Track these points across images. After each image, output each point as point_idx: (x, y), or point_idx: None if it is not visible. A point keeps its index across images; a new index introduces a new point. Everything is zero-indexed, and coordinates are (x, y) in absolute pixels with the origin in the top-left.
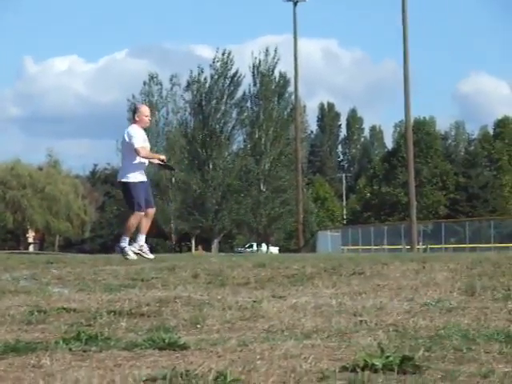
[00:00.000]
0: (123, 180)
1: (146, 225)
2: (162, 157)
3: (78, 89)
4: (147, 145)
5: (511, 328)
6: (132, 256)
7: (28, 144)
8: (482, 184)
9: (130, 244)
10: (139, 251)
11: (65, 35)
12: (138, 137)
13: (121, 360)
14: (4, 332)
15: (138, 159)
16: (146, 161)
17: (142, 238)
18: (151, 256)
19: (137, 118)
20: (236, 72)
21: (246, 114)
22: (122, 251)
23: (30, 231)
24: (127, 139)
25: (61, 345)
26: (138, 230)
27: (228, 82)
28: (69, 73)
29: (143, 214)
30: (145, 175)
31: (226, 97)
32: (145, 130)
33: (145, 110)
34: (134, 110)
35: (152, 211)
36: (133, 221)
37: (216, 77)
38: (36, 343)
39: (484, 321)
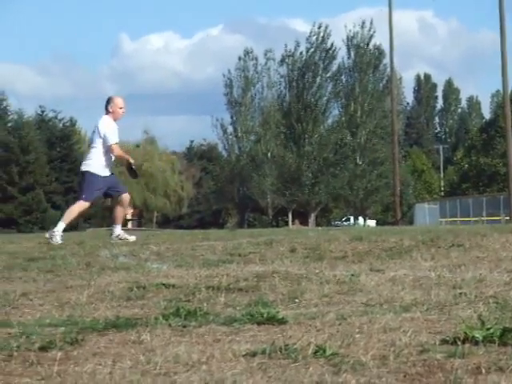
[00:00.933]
0: (84, 169)
1: (120, 215)
2: (131, 160)
3: (174, 65)
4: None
5: None
6: (57, 241)
7: (125, 121)
8: None
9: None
10: (118, 240)
11: (160, 11)
12: (114, 132)
13: (220, 335)
14: (104, 308)
15: (107, 154)
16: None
17: (118, 228)
18: (132, 238)
19: (110, 110)
20: (331, 45)
21: (340, 86)
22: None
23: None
24: (101, 132)
25: (160, 320)
26: (113, 221)
27: (323, 56)
28: (164, 49)
29: (88, 205)
30: (108, 170)
31: (321, 70)
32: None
33: (119, 101)
34: (108, 101)
35: (126, 197)
36: (76, 208)
37: (312, 50)
38: (136, 319)
39: None
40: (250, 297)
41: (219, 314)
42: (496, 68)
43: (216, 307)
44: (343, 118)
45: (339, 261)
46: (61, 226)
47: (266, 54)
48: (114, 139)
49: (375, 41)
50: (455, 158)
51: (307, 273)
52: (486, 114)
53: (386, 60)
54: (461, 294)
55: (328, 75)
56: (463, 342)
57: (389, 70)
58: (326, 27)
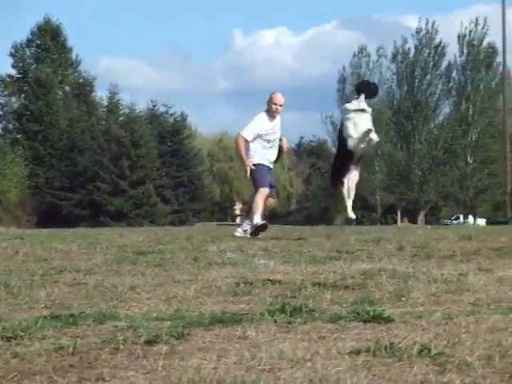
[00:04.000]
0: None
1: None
2: (246, 165)
3: (286, 61)
4: (271, 133)
5: None
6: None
7: (236, 116)
8: None
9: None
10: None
11: (274, 7)
12: (251, 125)
13: (325, 332)
14: (211, 303)
15: (264, 147)
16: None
17: (247, 225)
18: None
19: (267, 106)
20: (440, 42)
21: (451, 84)
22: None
23: (236, 203)
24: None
25: (266, 316)
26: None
27: (433, 52)
28: (277, 45)
29: (267, 191)
30: (269, 162)
31: (430, 67)
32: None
33: (274, 97)
34: (269, 98)
35: (271, 201)
36: (259, 198)
37: (420, 47)
38: (241, 314)
39: None
40: (356, 294)
41: (325, 311)
42: None
43: (322, 304)
44: (454, 116)
45: (447, 260)
46: (257, 218)
47: (378, 51)
48: (243, 131)
49: (489, 38)
50: None
51: (414, 271)
52: None
53: (500, 58)
54: None
55: (438, 72)
56: None
57: (501, 68)
58: (433, 23)
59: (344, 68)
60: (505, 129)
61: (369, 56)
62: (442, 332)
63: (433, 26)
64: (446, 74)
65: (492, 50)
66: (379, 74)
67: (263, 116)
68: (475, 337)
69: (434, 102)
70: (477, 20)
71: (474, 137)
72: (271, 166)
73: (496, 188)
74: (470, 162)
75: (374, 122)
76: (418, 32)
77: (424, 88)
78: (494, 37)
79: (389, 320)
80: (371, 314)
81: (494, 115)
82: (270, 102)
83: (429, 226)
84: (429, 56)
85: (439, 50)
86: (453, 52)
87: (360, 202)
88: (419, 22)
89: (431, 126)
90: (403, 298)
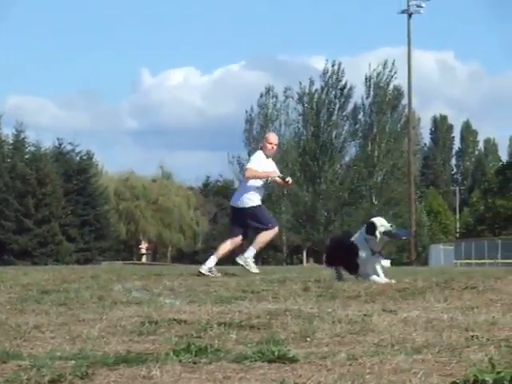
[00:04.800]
0: (248, 205)
1: (262, 240)
2: (275, 176)
3: (194, 101)
4: (270, 170)
5: None
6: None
7: (142, 156)
8: None
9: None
10: (244, 263)
11: (181, 47)
12: (254, 161)
13: (230, 372)
14: (115, 343)
15: (253, 183)
16: (260, 184)
17: (251, 252)
18: (256, 270)
19: (261, 144)
20: (345, 84)
21: (357, 125)
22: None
23: (142, 242)
24: (248, 163)
25: (171, 356)
26: (252, 243)
27: (339, 94)
28: (184, 85)
29: (277, 230)
30: (259, 198)
31: (336, 109)
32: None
33: (269, 137)
34: (264, 136)
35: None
36: (267, 236)
37: (326, 88)
38: (147, 354)
39: None
40: (262, 334)
41: (230, 351)
42: None
43: (227, 344)
44: (360, 157)
45: (352, 300)
46: (251, 252)
47: (285, 92)
48: (249, 164)
49: (396, 81)
50: (471, 200)
51: (319, 311)
52: (504, 156)
53: (405, 101)
54: (473, 336)
55: (344, 114)
56: None
57: (407, 110)
58: (340, 65)
59: (251, 108)
60: (410, 170)
61: (276, 97)
62: (346, 372)
63: (339, 68)
64: (352, 116)
65: (398, 93)
66: (286, 114)
67: (260, 154)
68: (379, 377)
69: (340, 143)
70: (385, 63)
71: (379, 178)
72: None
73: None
74: (375, 202)
75: (280, 163)
76: (324, 73)
77: (330, 129)
78: (399, 79)
79: (294, 360)
80: (276, 354)
81: (399, 157)
82: (266, 141)
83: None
84: (335, 97)
85: (345, 92)
86: (360, 94)
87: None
88: (326, 63)
89: (337, 167)
90: (308, 339)
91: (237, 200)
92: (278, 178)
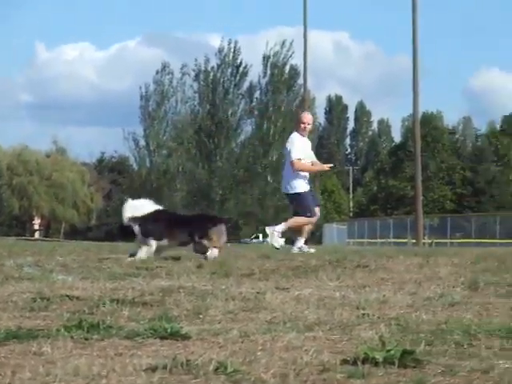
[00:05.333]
0: (291, 191)
1: (307, 231)
2: (326, 167)
3: (89, 76)
4: (308, 153)
5: None
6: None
7: (36, 131)
8: (489, 179)
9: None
10: (300, 252)
11: (77, 22)
12: (296, 148)
13: (122, 349)
14: (6, 318)
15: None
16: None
17: (301, 241)
18: (312, 250)
19: (298, 125)
20: (241, 62)
21: (253, 104)
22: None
23: (35, 218)
24: (287, 148)
25: (62, 332)
26: (299, 233)
27: (235, 72)
28: (80, 60)
29: (314, 221)
30: (308, 184)
31: (232, 87)
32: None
33: (303, 116)
34: (298, 117)
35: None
36: (301, 221)
37: (222, 66)
38: (38, 330)
39: (486, 316)
40: (155, 311)
41: (122, 328)
42: (408, 92)
43: (119, 321)
44: (256, 136)
45: (246, 278)
46: (281, 227)
47: (182, 69)
48: (295, 155)
49: (293, 60)
50: (364, 180)
51: (213, 289)
52: (397, 137)
53: (301, 80)
54: (364, 314)
55: (240, 92)
56: (363, 363)
57: (303, 90)
58: (236, 43)
59: (146, 85)
60: None
61: (172, 74)
62: (238, 349)
63: (235, 46)
64: (247, 94)
65: (294, 72)
66: (182, 92)
67: (296, 136)
68: (271, 354)
69: (236, 121)
70: (283, 42)
71: (274, 157)
72: (309, 185)
73: None
74: (271, 181)
75: (176, 140)
76: (220, 51)
77: (226, 107)
78: (296, 59)
79: (186, 337)
80: (169, 331)
81: None
82: (300, 121)
83: (228, 245)
84: (231, 75)
85: (241, 70)
86: (257, 73)
87: None
88: (221, 41)
89: (233, 145)
90: (201, 316)
91: (286, 185)
92: (326, 168)
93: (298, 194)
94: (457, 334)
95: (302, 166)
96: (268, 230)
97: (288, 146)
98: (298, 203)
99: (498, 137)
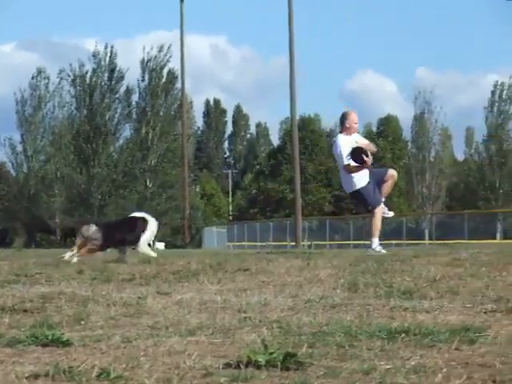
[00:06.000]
0: (353, 189)
1: (388, 189)
2: (368, 157)
3: None
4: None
5: (393, 325)
6: (382, 251)
7: None
8: None
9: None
10: (374, 253)
11: None
12: (347, 151)
13: (3, 357)
14: None
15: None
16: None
17: (375, 241)
18: (391, 213)
19: (347, 125)
20: (115, 66)
21: (132, 108)
22: (375, 251)
23: None
24: (337, 152)
25: None
26: (370, 233)
27: (111, 76)
28: None
29: (381, 207)
30: (367, 175)
31: (109, 91)
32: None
33: (354, 117)
34: (343, 117)
35: (391, 173)
36: (377, 218)
37: (98, 70)
38: None
39: (366, 317)
40: (35, 318)
41: (3, 335)
42: (286, 96)
43: (0, 328)
44: (134, 140)
45: (126, 283)
46: (376, 240)
47: (59, 73)
48: (345, 160)
49: (170, 64)
50: (244, 183)
51: (94, 295)
52: (275, 140)
53: (179, 84)
54: (245, 318)
55: (117, 96)
56: (246, 366)
57: (180, 94)
58: (112, 47)
59: (21, 90)
60: (183, 153)
61: (48, 78)
62: (121, 355)
63: (111, 50)
64: (125, 99)
65: (172, 76)
66: (59, 96)
67: (342, 138)
68: (154, 360)
69: (114, 125)
70: (161, 46)
71: (153, 161)
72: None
73: (174, 212)
74: (150, 185)
75: (53, 144)
76: (94, 55)
77: (103, 112)
78: (174, 63)
79: (68, 344)
80: (50, 337)
81: (174, 140)
82: (351, 121)
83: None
84: (108, 80)
85: (117, 75)
86: (135, 77)
87: (40, 225)
88: (96, 45)
89: (111, 150)
90: (82, 322)
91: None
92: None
93: (361, 189)
94: (338, 335)
95: (353, 168)
96: (371, 250)
97: (336, 149)
98: (362, 198)
99: (375, 139)
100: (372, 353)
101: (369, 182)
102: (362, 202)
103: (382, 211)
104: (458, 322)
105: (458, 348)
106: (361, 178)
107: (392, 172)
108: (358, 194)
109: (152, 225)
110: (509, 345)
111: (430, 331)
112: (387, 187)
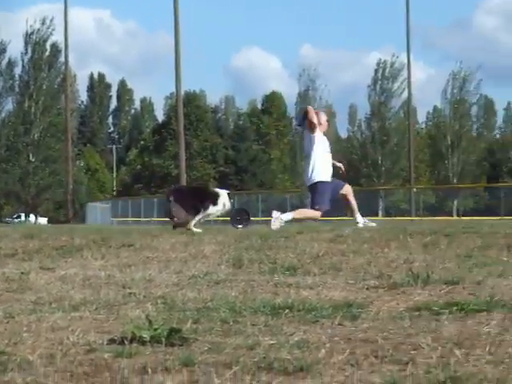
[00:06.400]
0: (313, 181)
1: (355, 203)
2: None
3: None
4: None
5: (276, 301)
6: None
7: None
8: (251, 158)
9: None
10: (365, 225)
11: None
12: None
13: None
14: None
15: (324, 159)
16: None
17: (358, 216)
18: (373, 224)
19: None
20: None
21: (15, 81)
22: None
23: None
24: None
25: None
26: (352, 212)
27: None
28: None
29: (320, 215)
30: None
31: None
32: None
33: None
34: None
35: (348, 188)
36: (309, 214)
37: None
38: None
39: (251, 293)
40: None
41: None
42: (171, 71)
43: None
44: (17, 114)
45: (9, 258)
46: (288, 216)
47: None
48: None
49: (53, 38)
50: (128, 159)
51: None
52: (160, 115)
53: (63, 58)
54: (130, 293)
55: None
56: (131, 342)
57: (64, 67)
58: None
59: None
60: (67, 128)
61: None
62: (3, 331)
63: None
64: (7, 72)
65: (56, 50)
66: None
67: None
68: (37, 335)
69: None
70: (44, 19)
71: (36, 135)
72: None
73: (58, 187)
74: (32, 160)
75: None
76: None
77: None
78: (58, 36)
79: None
80: None
81: (57, 114)
82: (321, 119)
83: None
84: None
85: None
86: (18, 50)
87: None
88: None
89: None
90: None
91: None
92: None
93: (315, 185)
94: (222, 311)
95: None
96: (275, 214)
97: (311, 139)
98: (316, 193)
99: (259, 116)
100: (256, 328)
101: (329, 182)
102: (312, 197)
103: (319, 216)
104: (341, 298)
105: (340, 324)
106: (323, 173)
107: (349, 187)
108: (314, 188)
109: None
110: (390, 320)
111: (314, 307)
112: (353, 201)
